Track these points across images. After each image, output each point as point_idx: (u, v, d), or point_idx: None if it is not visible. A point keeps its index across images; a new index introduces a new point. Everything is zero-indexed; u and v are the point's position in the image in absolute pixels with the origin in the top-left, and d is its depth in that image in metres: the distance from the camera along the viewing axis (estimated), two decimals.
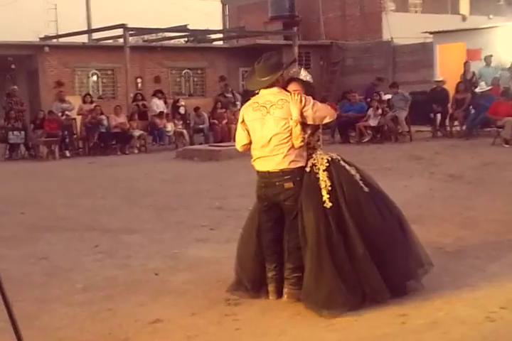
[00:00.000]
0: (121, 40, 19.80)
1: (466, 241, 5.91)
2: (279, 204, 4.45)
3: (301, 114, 4.33)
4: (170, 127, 16.63)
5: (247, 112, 4.53)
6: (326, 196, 4.30)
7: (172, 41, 26.37)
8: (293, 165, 4.38)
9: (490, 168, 10.29)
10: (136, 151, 15.78)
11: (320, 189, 4.33)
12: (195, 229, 6.89)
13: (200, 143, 16.31)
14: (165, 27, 23.82)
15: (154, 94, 18.09)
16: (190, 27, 23.60)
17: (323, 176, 4.36)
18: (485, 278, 4.78)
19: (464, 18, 25.47)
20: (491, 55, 16.56)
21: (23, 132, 15.27)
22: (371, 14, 24.14)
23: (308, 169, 4.42)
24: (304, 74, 4.57)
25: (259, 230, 4.59)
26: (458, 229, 6.39)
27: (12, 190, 10.22)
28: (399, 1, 25.76)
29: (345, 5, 25.12)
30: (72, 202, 8.86)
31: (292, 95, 4.37)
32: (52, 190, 10.17)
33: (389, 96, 16.15)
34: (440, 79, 16.22)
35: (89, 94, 17.58)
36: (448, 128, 15.52)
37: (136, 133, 15.91)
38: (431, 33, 19.30)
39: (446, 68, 17.73)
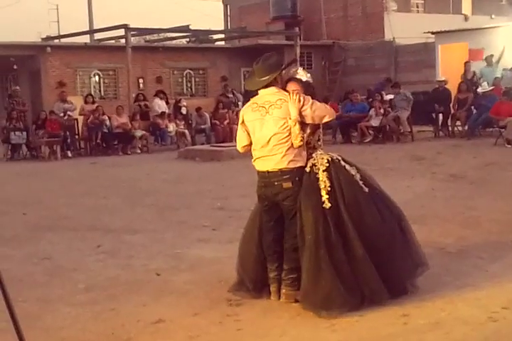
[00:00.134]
0: (123, 41, 19.81)
1: (468, 241, 5.90)
2: (279, 203, 4.45)
3: (300, 114, 4.33)
4: (172, 127, 16.64)
5: (247, 113, 4.53)
6: (325, 196, 4.29)
7: (174, 41, 26.41)
8: (292, 165, 4.37)
9: (492, 168, 10.28)
10: (138, 151, 15.79)
11: (319, 189, 4.32)
12: (197, 229, 6.89)
13: (202, 144, 16.32)
14: (167, 27, 23.86)
15: (156, 95, 18.10)
16: (192, 27, 23.62)
17: (322, 176, 4.35)
18: (487, 278, 4.77)
19: (466, 18, 25.47)
20: (492, 55, 16.56)
21: (25, 132, 15.28)
22: (373, 14, 24.14)
23: (308, 169, 4.41)
24: (303, 74, 4.56)
25: (261, 230, 4.59)
26: (460, 229, 6.39)
27: (14, 190, 10.23)
28: (401, 1, 25.74)
29: (347, 5, 25.12)
30: (74, 202, 8.87)
31: (291, 95, 4.38)
32: (54, 190, 10.18)
33: (391, 96, 16.15)
34: (442, 79, 16.21)
35: (91, 95, 17.61)
36: (450, 129, 15.49)
37: (138, 133, 15.92)
38: (433, 32, 19.28)
39: (448, 68, 17.72)
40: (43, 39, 23.91)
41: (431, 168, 10.56)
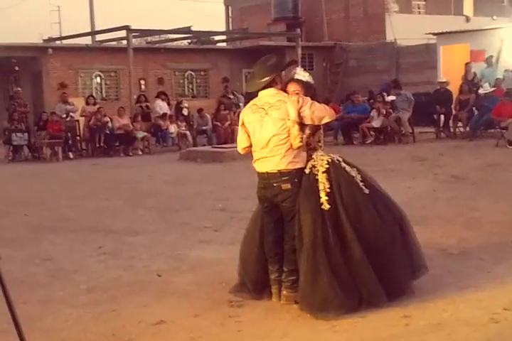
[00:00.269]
0: (124, 42, 19.85)
1: (470, 242, 5.90)
2: (278, 205, 4.45)
3: (299, 114, 4.32)
4: (173, 129, 16.64)
5: (247, 114, 4.53)
6: (324, 198, 4.28)
7: (175, 43, 26.43)
8: (291, 166, 4.36)
9: (494, 169, 10.27)
10: (139, 153, 15.79)
11: (318, 191, 4.31)
12: (199, 231, 6.89)
13: (204, 145, 16.32)
14: (168, 29, 23.88)
15: (157, 96, 18.11)
16: (193, 28, 23.64)
17: (322, 178, 4.33)
18: (489, 280, 4.76)
19: (467, 19, 25.49)
20: (492, 56, 16.55)
21: (26, 134, 15.31)
22: (374, 15, 24.16)
23: (307, 170, 4.39)
24: (303, 75, 4.55)
25: (262, 231, 4.59)
26: (462, 230, 6.38)
27: (16, 192, 10.24)
28: (402, 2, 25.77)
29: (348, 6, 25.15)
30: (75, 204, 8.87)
31: (290, 96, 4.37)
32: (56, 191, 10.18)
33: (392, 97, 16.14)
34: (444, 80, 16.19)
35: (92, 96, 17.61)
36: (451, 130, 15.49)
37: (140, 134, 15.93)
38: (434, 34, 19.29)
39: (450, 69, 17.72)
40: (44, 40, 23.93)
41: (432, 169, 10.55)
